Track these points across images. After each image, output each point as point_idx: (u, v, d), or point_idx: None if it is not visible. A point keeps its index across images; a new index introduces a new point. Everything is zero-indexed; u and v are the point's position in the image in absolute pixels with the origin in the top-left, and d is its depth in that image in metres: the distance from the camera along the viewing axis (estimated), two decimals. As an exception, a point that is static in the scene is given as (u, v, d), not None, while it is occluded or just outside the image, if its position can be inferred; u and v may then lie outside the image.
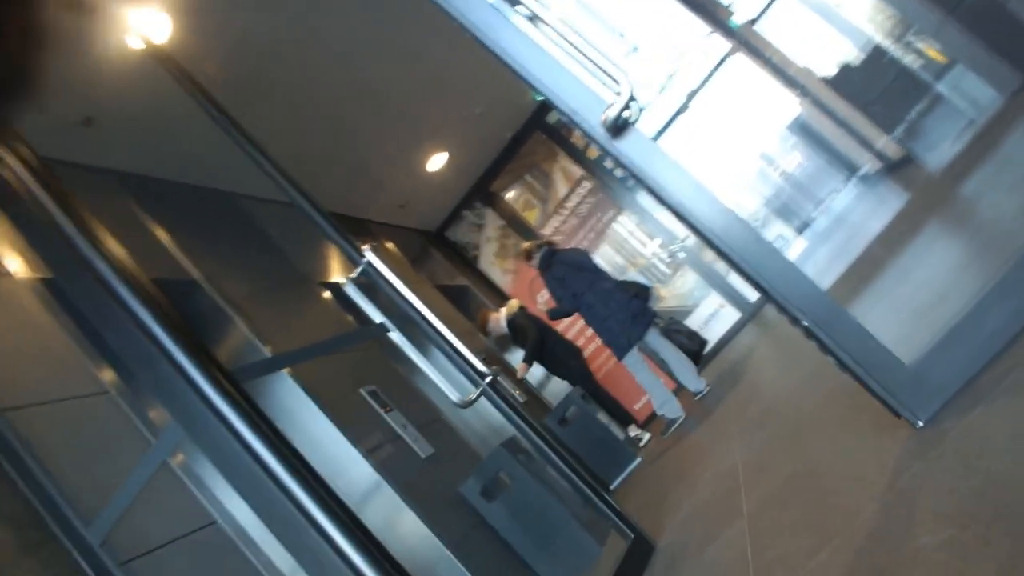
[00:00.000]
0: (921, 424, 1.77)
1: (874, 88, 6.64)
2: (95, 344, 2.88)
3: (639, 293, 5.75)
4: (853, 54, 7.10)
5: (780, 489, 2.29)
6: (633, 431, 6.29)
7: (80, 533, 2.19)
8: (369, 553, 1.61)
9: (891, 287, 3.19)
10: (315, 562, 1.65)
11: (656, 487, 4.31)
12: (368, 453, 3.62)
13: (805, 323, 1.93)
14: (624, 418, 6.53)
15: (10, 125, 1.98)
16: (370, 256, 3.44)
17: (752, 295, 7.78)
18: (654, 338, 5.60)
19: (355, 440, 3.59)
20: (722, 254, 2.07)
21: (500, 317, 6.39)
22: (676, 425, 5.45)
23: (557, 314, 5.92)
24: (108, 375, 2.86)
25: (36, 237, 1.96)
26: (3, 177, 1.90)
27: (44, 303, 2.94)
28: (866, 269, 3.80)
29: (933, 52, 6.20)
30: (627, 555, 2.97)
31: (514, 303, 6.55)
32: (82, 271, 1.84)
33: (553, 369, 6.55)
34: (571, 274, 5.69)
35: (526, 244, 6.09)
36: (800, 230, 8.01)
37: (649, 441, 6.06)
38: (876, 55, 6.78)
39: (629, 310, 5.51)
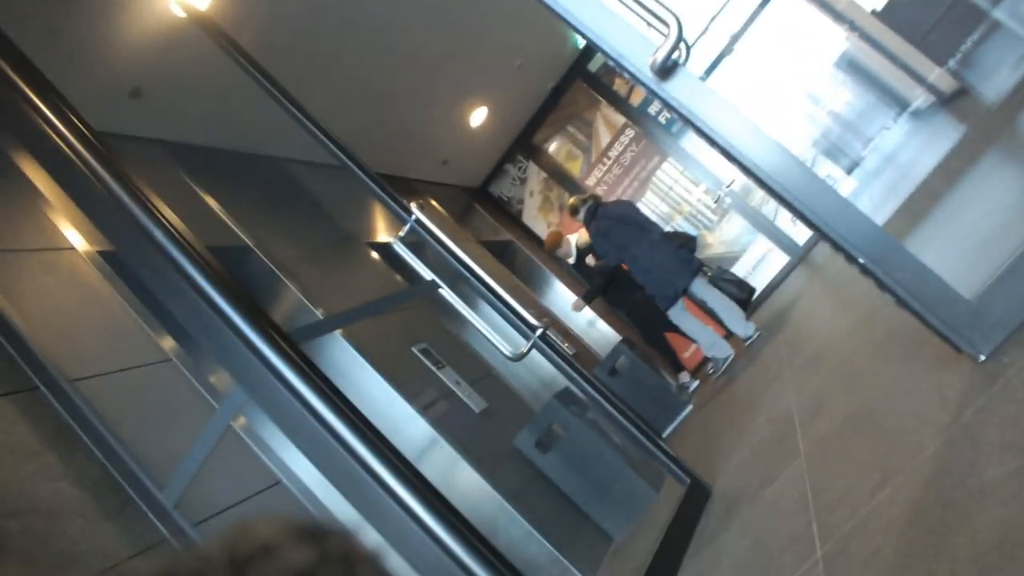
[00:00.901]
0: (983, 358, 1.75)
1: (926, 18, 6.39)
2: (156, 314, 2.96)
3: (685, 243, 5.74)
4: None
5: (839, 429, 2.28)
6: (684, 378, 6.28)
7: (155, 497, 2.27)
8: (431, 505, 1.66)
9: (949, 221, 3.11)
10: (379, 515, 1.70)
11: (709, 433, 4.32)
12: (423, 410, 3.69)
13: (861, 260, 1.90)
14: (676, 364, 6.51)
15: (64, 99, 2.03)
16: (418, 213, 3.46)
17: (800, 238, 7.66)
18: (701, 287, 5.58)
19: (410, 398, 3.65)
20: (776, 194, 2.05)
21: (571, 240, 6.38)
22: (727, 363, 5.46)
23: (603, 269, 5.91)
24: (170, 343, 2.94)
25: (95, 210, 2.01)
26: (60, 152, 1.95)
27: (105, 275, 3.03)
28: (922, 204, 3.71)
29: (989, -26, 5.92)
30: (684, 500, 3.00)
31: (585, 233, 6.55)
32: (141, 241, 1.89)
33: (615, 301, 6.47)
34: (616, 227, 5.69)
35: (571, 199, 6.12)
36: (850, 169, 7.81)
37: (699, 388, 6.07)
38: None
39: (675, 260, 5.51)
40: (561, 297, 7.63)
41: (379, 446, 1.72)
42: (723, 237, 8.27)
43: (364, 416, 1.81)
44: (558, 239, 6.47)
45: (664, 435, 5.14)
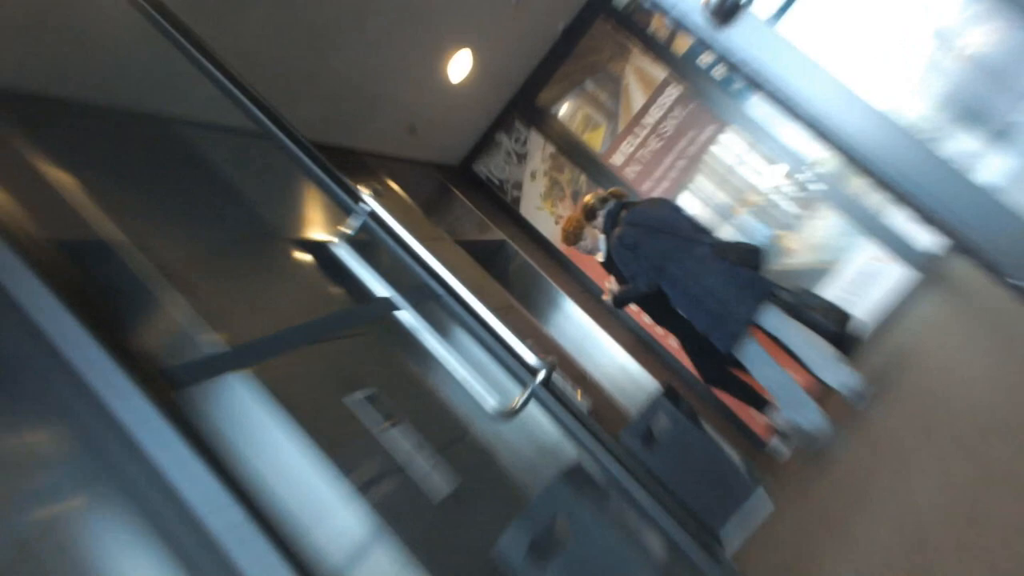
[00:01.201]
0: None
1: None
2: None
3: (745, 258, 5.61)
4: None
5: (1003, 550, 2.20)
6: (778, 418, 6.08)
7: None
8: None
9: None
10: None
11: (795, 540, 4.24)
12: (364, 489, 3.63)
13: (1016, 282, 1.86)
14: (757, 400, 6.29)
15: None
16: (371, 203, 3.43)
17: (924, 241, 7.62)
18: (773, 317, 5.49)
19: (345, 470, 3.60)
20: (882, 182, 2.02)
21: (599, 232, 6.27)
22: (819, 440, 5.34)
23: (626, 297, 5.81)
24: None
25: None
26: None
27: None
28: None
29: None
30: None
31: None
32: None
33: (658, 317, 6.33)
34: (648, 239, 5.58)
35: (587, 197, 6.04)
36: (996, 141, 7.79)
37: (787, 448, 5.95)
38: None
39: (733, 283, 5.40)
40: (573, 322, 7.60)
41: (282, 546, 1.69)
42: (809, 241, 8.26)
43: (260, 501, 1.77)
44: (579, 228, 6.26)
45: (725, 540, 5.05)
